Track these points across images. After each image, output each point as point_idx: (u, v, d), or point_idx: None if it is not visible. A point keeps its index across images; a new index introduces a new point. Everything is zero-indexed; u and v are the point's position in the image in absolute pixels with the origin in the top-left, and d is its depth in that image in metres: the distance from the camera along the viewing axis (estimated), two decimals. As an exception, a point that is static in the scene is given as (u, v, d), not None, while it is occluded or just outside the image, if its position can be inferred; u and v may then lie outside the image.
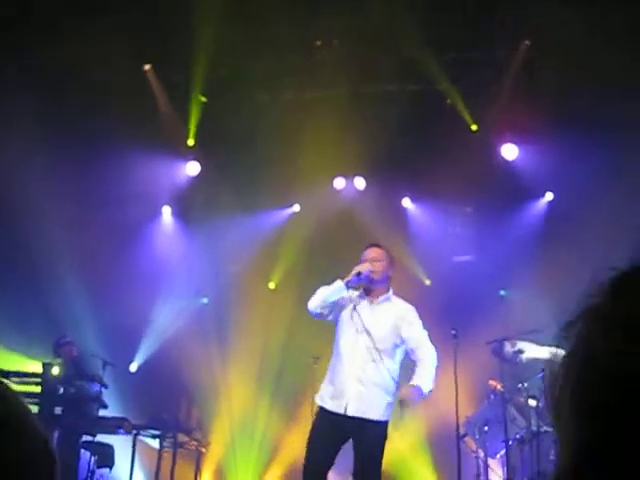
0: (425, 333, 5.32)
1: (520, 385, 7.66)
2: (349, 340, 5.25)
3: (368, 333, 5.20)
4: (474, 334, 7.85)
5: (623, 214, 8.70)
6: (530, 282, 9.46)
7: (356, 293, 5.45)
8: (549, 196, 10.49)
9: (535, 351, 7.77)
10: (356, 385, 5.11)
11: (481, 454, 7.91)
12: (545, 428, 7.31)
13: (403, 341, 5.27)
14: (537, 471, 7.05)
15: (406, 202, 11.13)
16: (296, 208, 11.31)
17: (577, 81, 8.88)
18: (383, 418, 5.12)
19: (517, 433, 7.60)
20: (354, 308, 5.33)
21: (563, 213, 9.80)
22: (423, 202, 10.98)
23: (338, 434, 5.13)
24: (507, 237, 10.08)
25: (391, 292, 5.48)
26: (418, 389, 4.94)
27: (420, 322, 5.37)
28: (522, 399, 7.61)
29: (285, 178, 10.42)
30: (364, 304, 5.38)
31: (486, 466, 7.86)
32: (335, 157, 10.01)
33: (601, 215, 8.86)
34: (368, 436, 5.07)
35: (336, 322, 5.41)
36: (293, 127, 9.70)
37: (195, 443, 9.17)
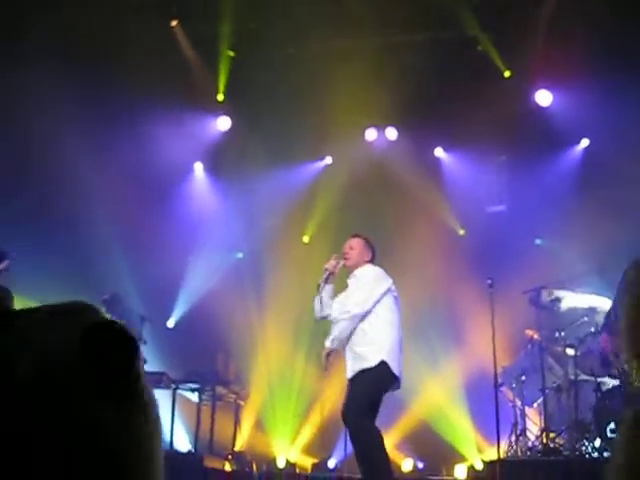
0: (361, 291, 5.77)
1: (557, 334, 7.62)
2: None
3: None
4: (510, 283, 7.81)
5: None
6: (566, 230, 9.35)
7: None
8: (585, 142, 10.30)
9: (573, 299, 7.72)
10: (349, 354, 5.76)
11: (518, 403, 7.92)
12: (582, 376, 7.30)
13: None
14: (574, 419, 7.05)
15: (439, 152, 11.02)
16: (328, 160, 11.26)
17: (614, 25, 8.65)
18: (373, 364, 5.54)
19: (554, 382, 7.59)
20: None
21: (599, 159, 9.61)
22: (456, 151, 10.85)
23: None
24: (542, 185, 9.94)
25: (362, 267, 5.98)
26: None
27: (365, 279, 5.84)
28: (559, 348, 7.58)
29: (316, 130, 10.35)
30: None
31: (523, 415, 7.88)
32: (366, 108, 9.92)
33: (637, 162, 8.69)
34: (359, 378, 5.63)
35: None
36: (323, 79, 9.60)
37: (234, 396, 9.30)
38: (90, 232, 9.46)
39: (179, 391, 8.71)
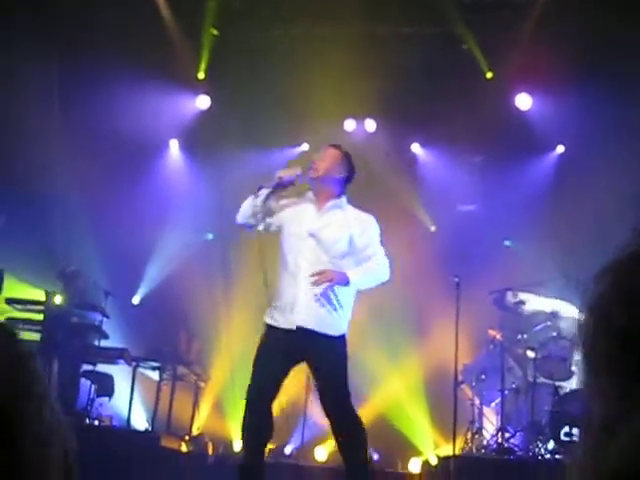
0: (382, 249, 4.95)
1: (520, 336, 7.70)
2: (293, 248, 4.88)
3: (315, 238, 4.84)
4: (477, 283, 7.86)
5: (632, 171, 8.62)
6: (536, 234, 9.43)
7: (304, 196, 5.12)
8: (560, 149, 10.39)
9: (537, 303, 7.79)
10: (305, 295, 4.72)
11: (476, 402, 7.99)
12: (541, 379, 7.38)
13: (355, 250, 4.88)
14: (530, 421, 7.13)
15: (415, 147, 11.03)
16: (305, 147, 11.21)
17: (600, 33, 8.71)
18: (337, 332, 4.75)
19: (513, 383, 7.67)
20: (299, 213, 4.99)
21: (573, 167, 9.71)
22: (433, 148, 10.88)
23: (287, 355, 4.80)
24: (515, 188, 10.00)
25: (344, 199, 5.09)
26: (343, 276, 4.67)
27: (378, 234, 4.99)
28: (520, 350, 7.66)
29: (295, 116, 10.31)
30: (310, 209, 5.01)
31: (481, 413, 7.95)
32: (346, 98, 9.88)
33: (610, 171, 8.78)
34: (325, 352, 4.74)
35: (280, 229, 5.02)
36: (306, 64, 9.55)
37: (194, 377, 9.27)
38: (59, 202, 9.36)
39: (140, 369, 8.65)
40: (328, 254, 4.81)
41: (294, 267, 4.82)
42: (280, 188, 5.00)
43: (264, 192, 4.96)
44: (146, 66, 9.44)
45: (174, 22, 10.02)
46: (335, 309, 4.76)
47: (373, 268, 4.85)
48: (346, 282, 4.68)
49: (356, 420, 4.83)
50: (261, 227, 5.02)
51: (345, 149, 5.30)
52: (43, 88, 9.11)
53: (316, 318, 4.71)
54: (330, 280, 4.64)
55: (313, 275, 4.65)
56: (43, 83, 9.08)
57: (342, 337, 4.80)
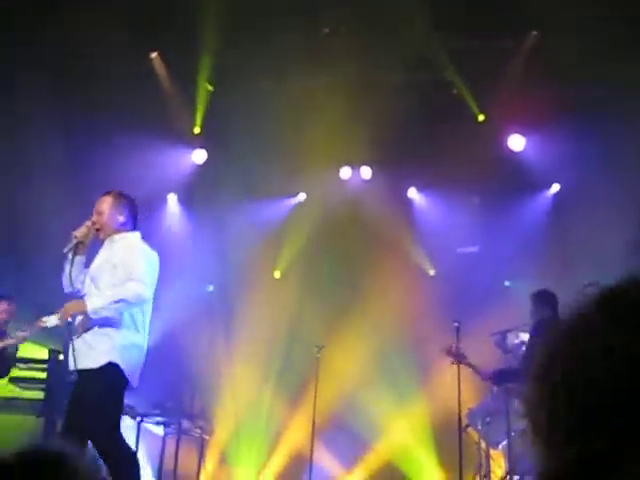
0: (143, 275, 4.94)
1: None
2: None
3: (91, 278, 5.09)
4: (478, 325, 7.86)
5: (628, 207, 8.69)
6: (535, 273, 9.45)
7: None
8: (555, 187, 10.47)
9: (539, 343, 7.78)
10: (75, 336, 4.90)
11: (483, 445, 7.92)
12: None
13: (119, 279, 4.95)
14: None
15: (412, 192, 11.12)
16: (302, 197, 11.31)
17: (585, 72, 8.84)
18: (98, 364, 4.77)
19: (520, 425, 7.61)
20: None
21: (569, 205, 9.79)
22: (429, 192, 10.97)
23: None
24: (513, 228, 10.07)
25: (132, 234, 5.33)
26: (80, 305, 4.85)
27: (139, 255, 5.06)
28: (525, 391, 7.61)
29: (291, 167, 10.42)
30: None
31: (488, 457, 7.87)
32: (342, 146, 10.00)
33: (606, 207, 8.85)
34: (80, 386, 4.84)
35: None
36: (299, 115, 9.68)
37: (199, 430, 9.21)
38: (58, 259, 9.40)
39: (144, 423, 8.60)
40: (98, 288, 4.98)
41: None
42: (80, 246, 5.18)
43: (69, 255, 5.15)
44: (144, 123, 9.58)
45: (169, 79, 10.19)
46: (101, 341, 4.84)
47: (118, 293, 4.83)
48: (84, 310, 4.80)
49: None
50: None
51: (117, 191, 5.48)
52: (47, 146, 9.26)
53: (81, 356, 4.84)
54: (66, 312, 4.84)
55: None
56: (47, 142, 9.22)
57: (105, 366, 4.79)
